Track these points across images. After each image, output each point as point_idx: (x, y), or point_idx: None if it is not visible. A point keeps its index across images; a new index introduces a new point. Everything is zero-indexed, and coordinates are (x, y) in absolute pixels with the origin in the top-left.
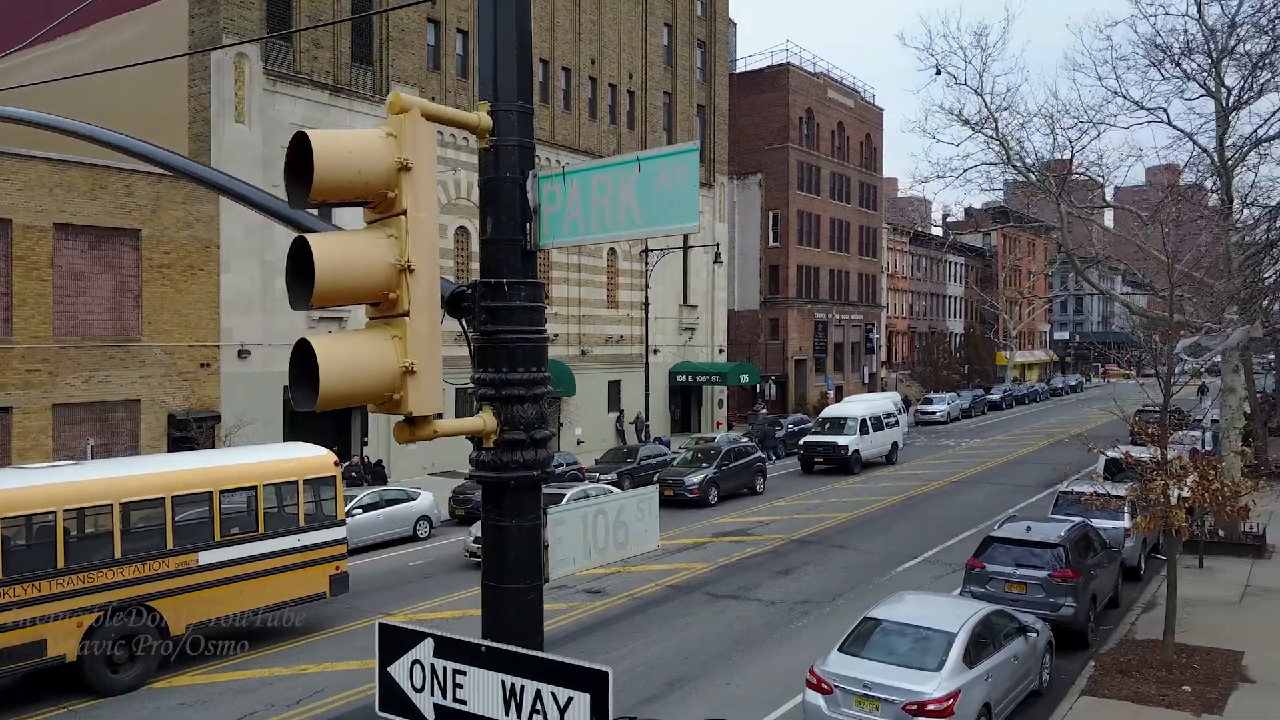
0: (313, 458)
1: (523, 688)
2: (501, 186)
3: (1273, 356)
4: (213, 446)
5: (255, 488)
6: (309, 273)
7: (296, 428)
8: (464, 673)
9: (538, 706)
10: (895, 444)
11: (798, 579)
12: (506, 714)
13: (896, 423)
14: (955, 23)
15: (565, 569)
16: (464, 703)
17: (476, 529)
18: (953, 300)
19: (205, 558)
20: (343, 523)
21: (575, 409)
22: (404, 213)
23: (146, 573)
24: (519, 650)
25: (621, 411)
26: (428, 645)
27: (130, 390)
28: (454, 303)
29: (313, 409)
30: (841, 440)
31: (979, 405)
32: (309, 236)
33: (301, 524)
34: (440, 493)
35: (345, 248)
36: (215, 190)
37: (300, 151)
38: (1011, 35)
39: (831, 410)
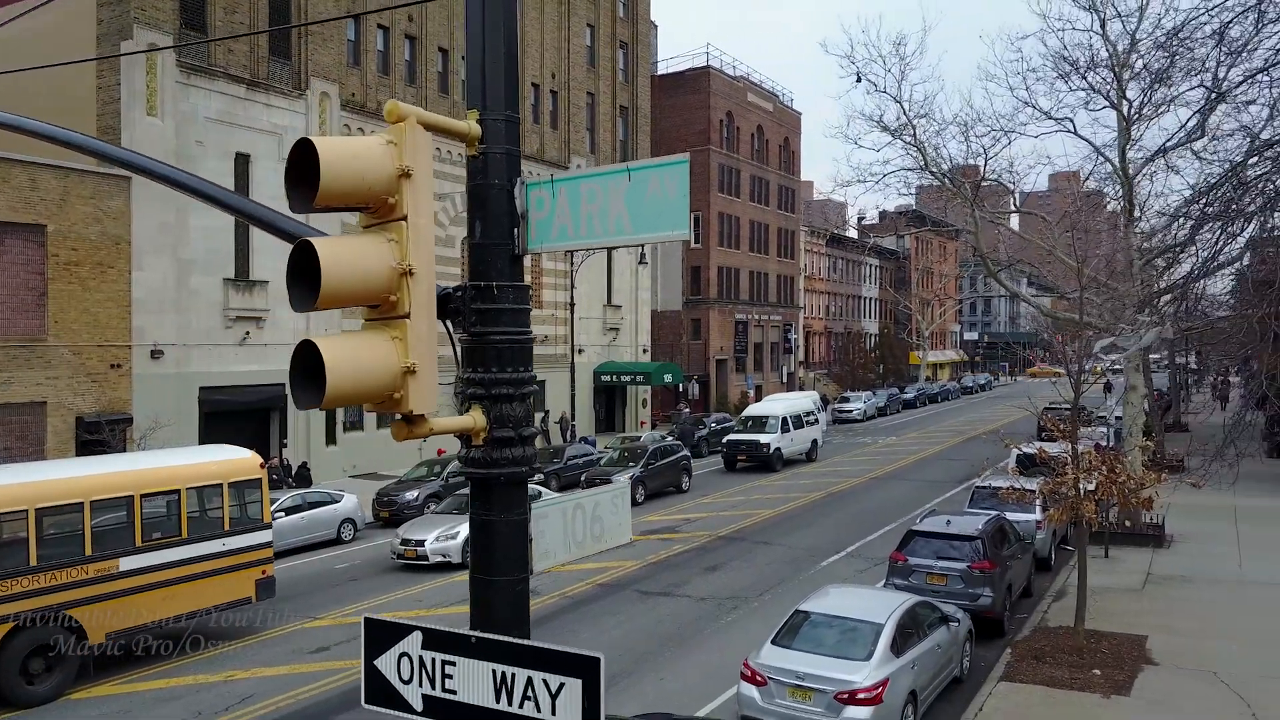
0: (237, 460)
1: (514, 676)
2: (490, 193)
3: (1165, 356)
4: (124, 450)
5: (178, 491)
6: (310, 275)
7: (212, 430)
8: (454, 663)
9: (529, 693)
10: (815, 442)
11: (725, 575)
12: (497, 702)
13: (816, 421)
14: (875, 31)
15: (547, 562)
16: (453, 692)
17: (404, 531)
18: (868, 301)
19: (126, 564)
20: (269, 526)
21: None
22: (404, 218)
23: (64, 580)
24: (510, 640)
25: (546, 411)
26: (416, 638)
27: (35, 392)
28: (440, 305)
29: (317, 408)
30: (763, 438)
31: (894, 404)
32: (314, 240)
33: (226, 528)
34: (363, 495)
35: (349, 251)
36: (203, 200)
37: (301, 157)
38: (929, 45)
39: (753, 409)
